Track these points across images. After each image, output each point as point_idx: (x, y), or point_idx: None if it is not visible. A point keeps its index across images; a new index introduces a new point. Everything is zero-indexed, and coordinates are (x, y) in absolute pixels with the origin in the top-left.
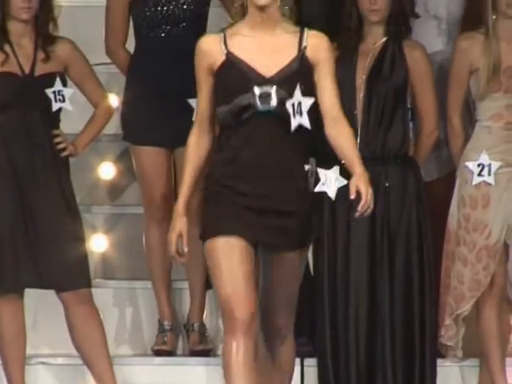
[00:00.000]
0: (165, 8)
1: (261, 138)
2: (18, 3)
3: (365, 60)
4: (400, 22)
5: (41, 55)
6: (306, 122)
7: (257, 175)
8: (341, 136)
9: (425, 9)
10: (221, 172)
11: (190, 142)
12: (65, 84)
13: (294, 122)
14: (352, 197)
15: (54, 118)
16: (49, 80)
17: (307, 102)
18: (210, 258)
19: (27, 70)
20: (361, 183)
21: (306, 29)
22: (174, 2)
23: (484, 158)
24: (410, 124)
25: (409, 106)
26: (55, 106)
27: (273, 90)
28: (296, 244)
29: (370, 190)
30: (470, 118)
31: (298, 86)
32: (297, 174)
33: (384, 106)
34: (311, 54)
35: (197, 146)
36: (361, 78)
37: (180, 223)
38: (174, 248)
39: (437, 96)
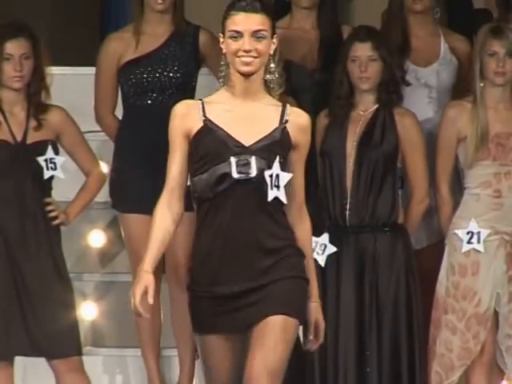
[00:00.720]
0: (151, 75)
1: (238, 208)
2: (10, 72)
3: (355, 127)
4: (391, 89)
5: (33, 123)
6: (282, 196)
7: (232, 252)
8: (300, 233)
9: (415, 77)
10: (195, 254)
11: (157, 210)
12: (57, 152)
13: (271, 194)
14: (311, 337)
15: (46, 186)
16: (41, 148)
17: (285, 178)
18: (198, 349)
19: (19, 138)
20: (319, 317)
21: (288, 105)
22: (160, 70)
23: (473, 226)
24: (400, 191)
25: (399, 173)
26: (47, 174)
27: (252, 159)
28: (279, 311)
29: (324, 325)
30: (459, 184)
31: (277, 158)
32: (277, 245)
33: (374, 173)
34: (292, 130)
35: (165, 215)
36: (351, 145)
37: (146, 278)
38: (138, 301)
39: (427, 164)
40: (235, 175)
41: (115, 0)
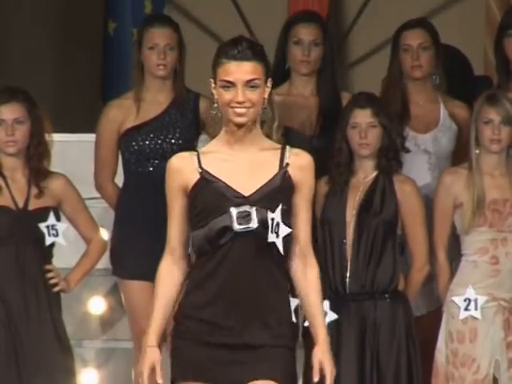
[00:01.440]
0: (153, 142)
1: (237, 260)
2: (3, 137)
3: (355, 194)
4: (390, 156)
5: (34, 190)
6: (279, 245)
7: (230, 304)
8: (306, 280)
9: (415, 143)
10: (190, 303)
11: (160, 272)
12: (58, 218)
13: (271, 237)
14: (315, 379)
15: (47, 253)
16: (42, 214)
17: (284, 230)
18: None
19: (21, 204)
20: (325, 360)
21: (288, 146)
22: (162, 137)
23: (470, 293)
24: (401, 258)
25: (400, 240)
26: (48, 241)
27: (252, 209)
28: (268, 375)
29: (334, 370)
30: (458, 250)
31: (279, 207)
32: (278, 305)
33: (374, 240)
34: (294, 172)
35: (169, 278)
36: (351, 213)
37: (152, 354)
38: (146, 381)
39: (428, 231)
40: (236, 228)
41: (116, 67)
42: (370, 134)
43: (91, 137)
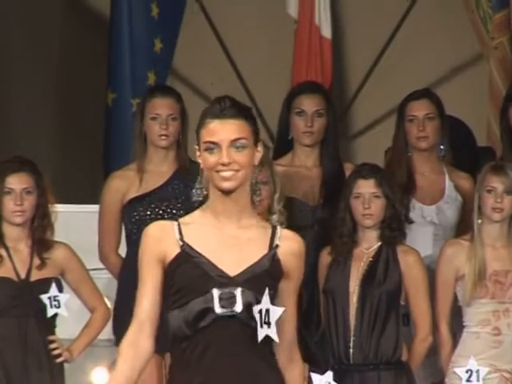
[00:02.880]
0: (154, 212)
1: (220, 350)
2: (11, 206)
3: (358, 264)
4: (394, 226)
5: (37, 261)
6: (273, 334)
7: None
8: (290, 377)
9: (421, 215)
10: None
11: (122, 349)
12: (60, 289)
13: (261, 333)
14: None
15: (49, 324)
16: (44, 285)
17: (276, 312)
18: None
19: (23, 275)
20: None
21: (279, 227)
22: (163, 207)
23: (472, 364)
24: (406, 329)
25: (404, 310)
26: (50, 312)
27: (237, 291)
28: None
29: None
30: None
31: (267, 290)
32: None
33: (377, 311)
34: (284, 257)
35: (130, 356)
36: (354, 283)
37: None
38: None
39: (431, 302)
40: (218, 310)
41: (116, 137)
42: (374, 205)
43: (94, 207)
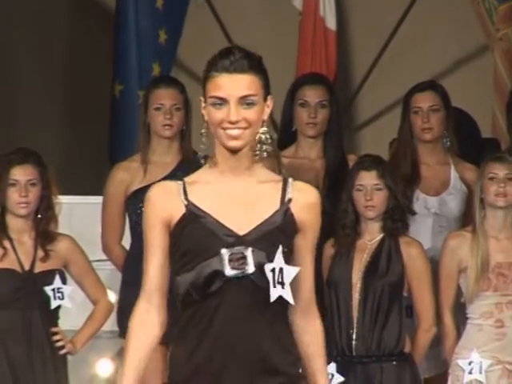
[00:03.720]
0: None
1: (232, 314)
2: (15, 198)
3: (361, 256)
4: (396, 218)
5: (40, 253)
6: (287, 294)
7: (225, 372)
8: (308, 338)
9: (425, 206)
10: (178, 372)
11: (133, 322)
12: (64, 281)
13: (274, 293)
14: None
15: (53, 315)
16: (48, 277)
17: (291, 272)
18: None
19: (27, 267)
20: None
21: (290, 179)
22: None
23: (475, 357)
24: (409, 320)
25: (408, 302)
26: (54, 304)
27: (248, 251)
28: None
29: None
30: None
31: (280, 248)
32: (279, 368)
33: (380, 303)
34: (298, 210)
35: (142, 330)
36: (357, 275)
37: None
38: None
39: (434, 293)
40: (228, 272)
41: (123, 129)
42: (376, 196)
43: (98, 199)
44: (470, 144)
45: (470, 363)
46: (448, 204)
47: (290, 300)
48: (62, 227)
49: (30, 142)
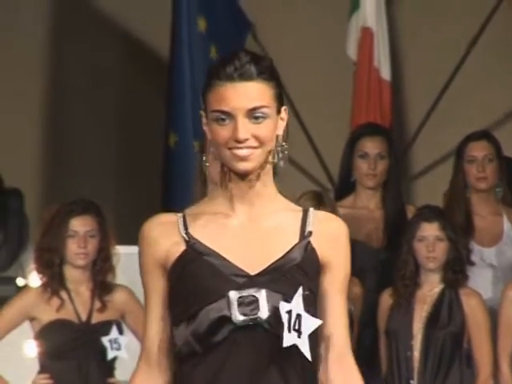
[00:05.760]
0: None
1: (241, 370)
2: (74, 249)
3: (421, 307)
4: (457, 269)
5: (97, 304)
6: (304, 347)
7: None
8: None
9: (481, 257)
10: None
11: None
12: (121, 331)
13: (288, 339)
14: None
15: (110, 366)
16: (105, 328)
17: (310, 324)
18: None
19: (84, 318)
20: None
21: (311, 209)
22: None
23: None
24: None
25: (466, 352)
26: (111, 354)
27: (261, 294)
28: None
29: None
30: None
31: (300, 290)
32: None
33: (442, 354)
34: (320, 245)
35: None
36: (417, 325)
37: None
38: None
39: (493, 343)
40: (237, 319)
41: (177, 179)
42: (437, 248)
43: None
44: None
45: None
46: (503, 255)
47: (306, 353)
48: (118, 277)
49: (84, 191)
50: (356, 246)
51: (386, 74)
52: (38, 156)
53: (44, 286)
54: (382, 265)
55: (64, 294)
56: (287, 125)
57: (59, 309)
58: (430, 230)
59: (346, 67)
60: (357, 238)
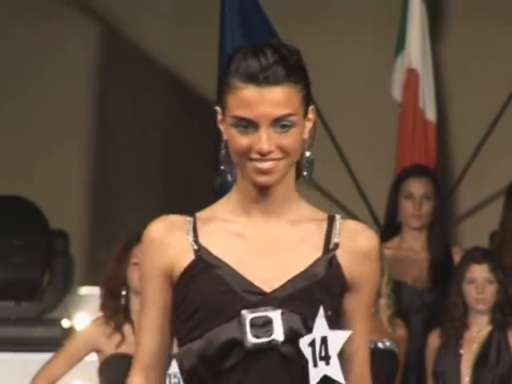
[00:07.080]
0: None
1: None
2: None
3: (469, 348)
4: (506, 311)
5: None
6: (336, 372)
7: None
8: None
9: None
10: None
11: None
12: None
13: (315, 375)
14: None
15: None
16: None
17: (339, 339)
18: None
19: None
20: None
21: (337, 216)
22: None
23: None
24: None
25: None
26: None
27: (276, 314)
28: None
29: None
30: None
31: (321, 311)
32: None
33: None
34: (346, 259)
35: None
36: (466, 367)
37: None
38: None
39: None
40: (250, 342)
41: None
42: (487, 290)
43: None
44: None
45: None
46: None
47: (340, 379)
48: None
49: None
50: (401, 288)
51: (431, 115)
52: (83, 197)
53: (107, 318)
54: (426, 306)
55: (128, 329)
56: (314, 125)
57: (119, 344)
58: (479, 272)
59: (391, 109)
60: (402, 280)
